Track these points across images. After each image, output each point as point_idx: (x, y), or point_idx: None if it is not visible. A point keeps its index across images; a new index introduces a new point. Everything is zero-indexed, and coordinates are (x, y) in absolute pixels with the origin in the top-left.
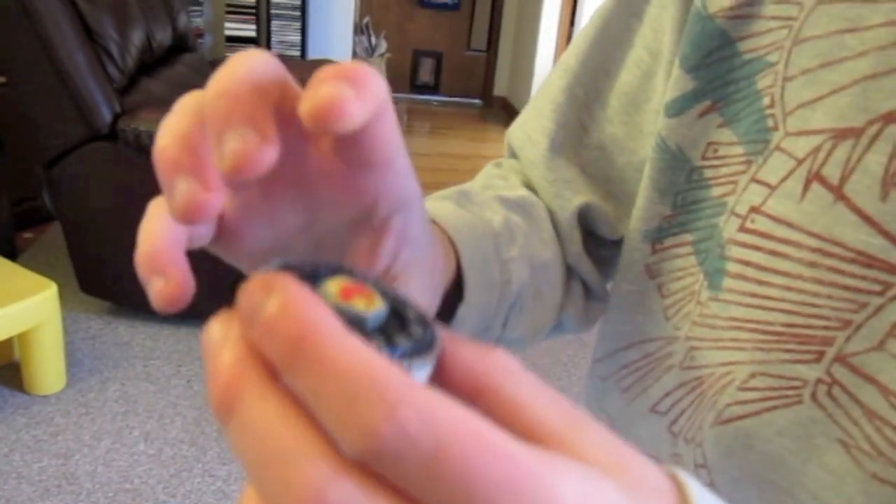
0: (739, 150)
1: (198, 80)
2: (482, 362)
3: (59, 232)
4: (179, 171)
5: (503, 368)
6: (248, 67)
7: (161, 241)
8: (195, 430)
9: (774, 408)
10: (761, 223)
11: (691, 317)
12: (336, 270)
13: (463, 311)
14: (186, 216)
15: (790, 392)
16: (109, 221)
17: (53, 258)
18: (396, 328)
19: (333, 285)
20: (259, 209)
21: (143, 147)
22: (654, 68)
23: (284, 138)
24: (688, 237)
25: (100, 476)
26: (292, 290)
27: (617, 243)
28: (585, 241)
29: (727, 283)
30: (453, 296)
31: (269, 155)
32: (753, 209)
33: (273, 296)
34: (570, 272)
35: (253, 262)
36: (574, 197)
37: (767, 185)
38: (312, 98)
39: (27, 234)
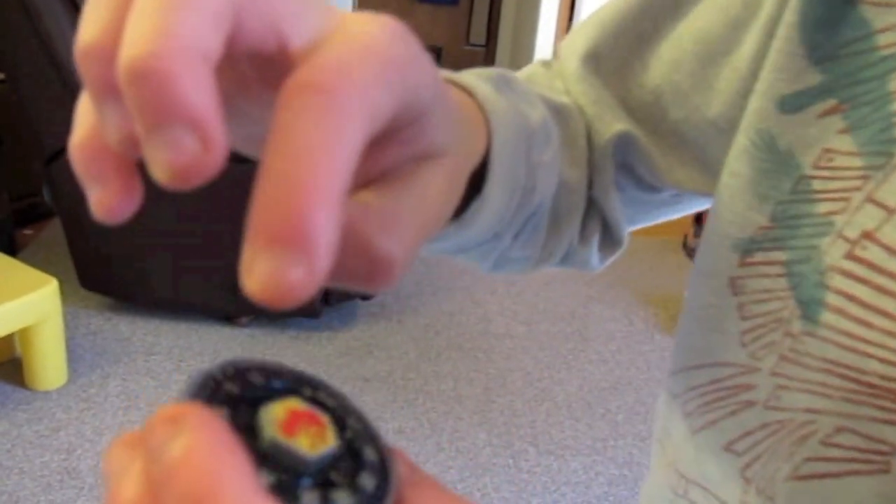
0: (857, 162)
1: None
2: None
3: (59, 228)
4: (92, 176)
5: None
6: (182, 21)
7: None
8: None
9: (857, 472)
10: (873, 252)
11: (779, 349)
12: (293, 385)
13: (478, 206)
14: (109, 218)
15: (876, 457)
16: None
17: (53, 254)
18: (344, 474)
19: (279, 410)
20: (236, 113)
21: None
22: (747, 20)
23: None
24: (781, 255)
25: (102, 471)
26: (202, 434)
27: (655, 189)
28: (618, 174)
29: (825, 317)
30: (471, 184)
31: (211, 164)
32: (865, 234)
33: (178, 437)
34: (590, 203)
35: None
36: (615, 122)
37: (885, 207)
38: (250, 275)
39: (27, 231)
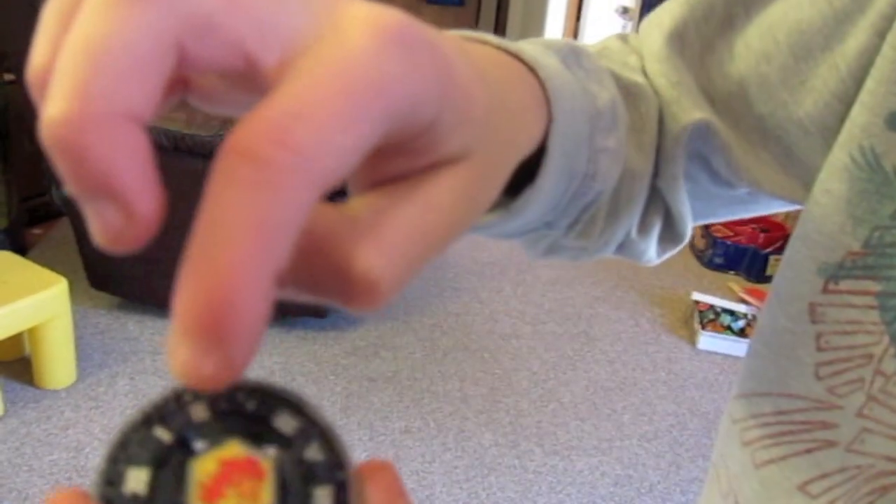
0: None
1: None
2: None
3: (68, 228)
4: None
5: None
6: (102, 76)
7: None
8: None
9: None
10: None
11: (866, 388)
12: (243, 415)
13: (528, 196)
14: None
15: None
16: None
17: (63, 254)
18: None
19: (209, 464)
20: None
21: (152, 142)
22: (853, 13)
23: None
24: (873, 286)
25: None
26: None
27: (730, 185)
28: (691, 165)
29: None
30: (523, 170)
31: (138, 233)
32: None
33: None
34: (653, 192)
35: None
36: (695, 110)
37: None
38: (171, 357)
39: (36, 230)
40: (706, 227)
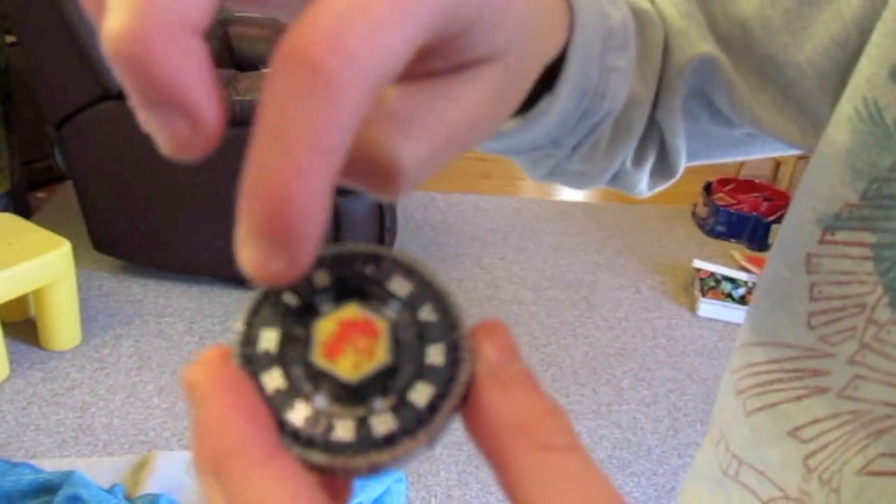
0: None
1: (211, 41)
2: (515, 431)
3: (72, 191)
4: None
5: (538, 445)
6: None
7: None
8: None
9: None
10: None
11: (860, 337)
12: (361, 279)
13: (546, 105)
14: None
15: None
16: (121, 180)
17: (66, 217)
18: (394, 390)
19: (330, 324)
20: None
21: None
22: None
23: None
24: (868, 237)
25: (115, 428)
26: (216, 402)
27: (729, 124)
28: (693, 101)
29: None
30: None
31: (204, 142)
32: None
33: (198, 405)
34: (651, 124)
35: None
36: (701, 43)
37: None
38: (240, 255)
39: (40, 194)
40: (709, 195)
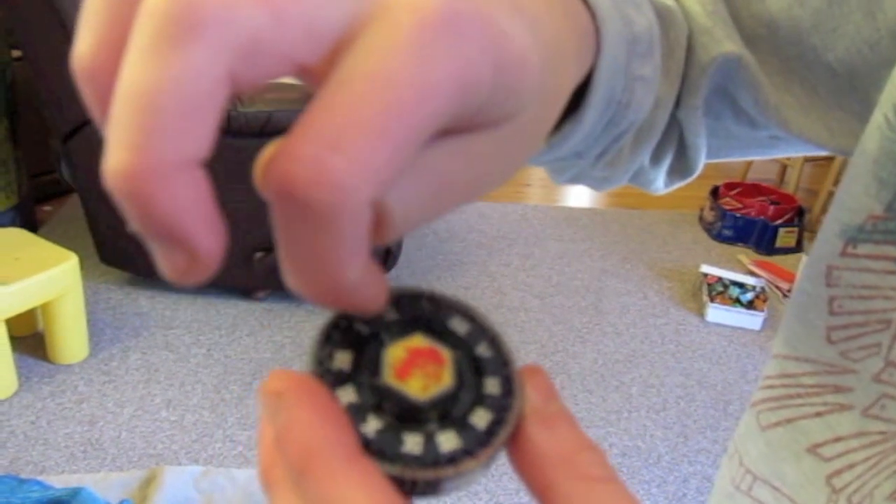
0: None
1: None
2: (559, 463)
3: (78, 205)
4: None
5: (580, 476)
6: (162, 124)
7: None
8: (215, 397)
9: None
10: None
11: (884, 353)
12: (424, 315)
13: (570, 130)
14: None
15: None
16: None
17: (73, 230)
18: (457, 412)
19: (399, 351)
20: None
21: None
22: None
23: None
24: (892, 251)
25: (124, 442)
26: (301, 410)
27: (754, 125)
28: (717, 100)
29: None
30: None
31: (204, 269)
32: None
33: (281, 411)
34: (670, 123)
35: None
36: (727, 41)
37: None
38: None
39: (47, 207)
40: (715, 200)
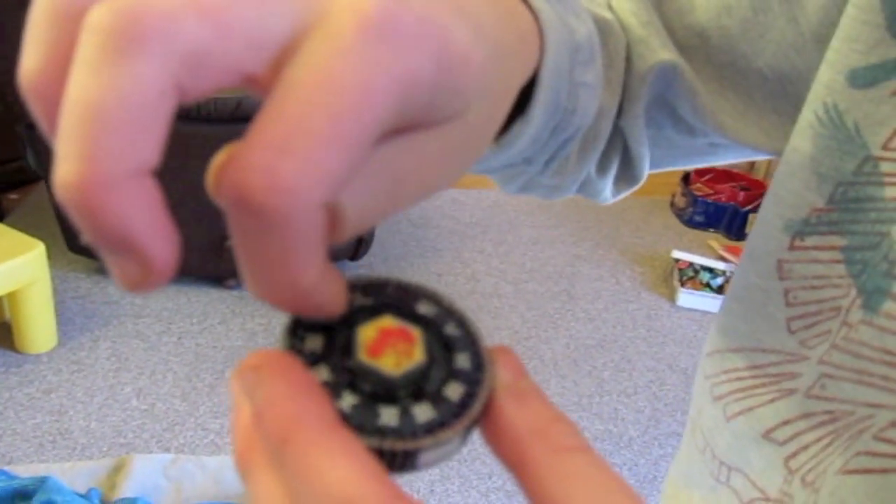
0: None
1: None
2: (532, 436)
3: (45, 192)
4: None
5: (553, 447)
6: (109, 134)
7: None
8: (187, 386)
9: None
10: None
11: (832, 338)
12: (392, 300)
13: (519, 130)
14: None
15: None
16: None
17: (40, 219)
18: (431, 387)
19: (370, 330)
20: None
21: None
22: None
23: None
24: (838, 241)
25: (94, 431)
26: (279, 384)
27: (692, 133)
28: (656, 110)
29: (888, 306)
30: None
31: (157, 279)
32: None
33: (260, 386)
34: (614, 132)
35: None
36: (662, 50)
37: None
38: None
39: (13, 196)
40: (687, 186)
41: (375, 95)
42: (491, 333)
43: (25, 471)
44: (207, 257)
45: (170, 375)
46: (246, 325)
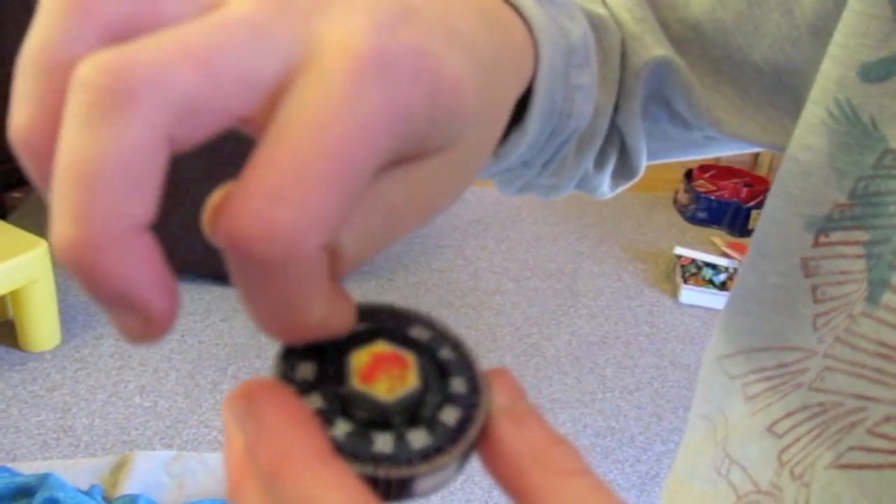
0: None
1: None
2: (531, 460)
3: None
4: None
5: (553, 470)
6: (103, 195)
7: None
8: (189, 383)
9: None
10: None
11: (837, 331)
12: (385, 325)
13: (516, 140)
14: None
15: None
16: None
17: (43, 217)
18: (426, 411)
19: (363, 356)
20: None
21: None
22: None
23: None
24: (861, 235)
25: (97, 429)
26: (270, 416)
27: (688, 126)
28: (652, 104)
29: (887, 298)
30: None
31: (159, 330)
32: None
33: (251, 418)
34: (611, 128)
35: None
36: (656, 46)
37: None
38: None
39: (16, 194)
40: (689, 183)
41: (369, 135)
42: (493, 330)
43: (28, 468)
44: (210, 255)
45: (172, 373)
46: (249, 322)
